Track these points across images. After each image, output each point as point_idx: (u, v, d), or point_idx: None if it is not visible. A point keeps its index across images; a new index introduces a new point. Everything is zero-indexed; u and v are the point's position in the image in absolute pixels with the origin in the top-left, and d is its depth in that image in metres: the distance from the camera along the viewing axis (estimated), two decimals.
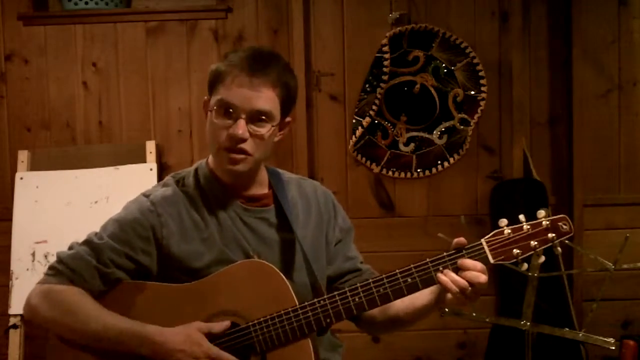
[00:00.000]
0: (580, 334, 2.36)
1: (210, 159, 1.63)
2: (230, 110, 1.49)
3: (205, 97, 1.60)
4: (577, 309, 3.05)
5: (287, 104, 1.56)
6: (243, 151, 1.50)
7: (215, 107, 1.51)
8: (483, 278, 1.42)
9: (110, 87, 3.18)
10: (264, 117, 1.51)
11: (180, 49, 3.17)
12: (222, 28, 3.17)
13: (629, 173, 3.21)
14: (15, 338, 2.78)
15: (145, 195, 1.60)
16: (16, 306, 2.76)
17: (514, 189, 3.12)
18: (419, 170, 3.19)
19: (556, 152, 3.22)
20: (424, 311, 1.56)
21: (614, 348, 2.27)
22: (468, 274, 1.42)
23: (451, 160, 3.18)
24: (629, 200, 3.19)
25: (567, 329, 2.41)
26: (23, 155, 3.02)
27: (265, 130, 1.51)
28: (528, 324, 2.39)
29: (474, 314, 2.48)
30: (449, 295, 1.45)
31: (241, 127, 1.48)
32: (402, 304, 1.58)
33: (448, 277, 1.43)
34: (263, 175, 1.64)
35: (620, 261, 2.23)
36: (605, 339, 2.27)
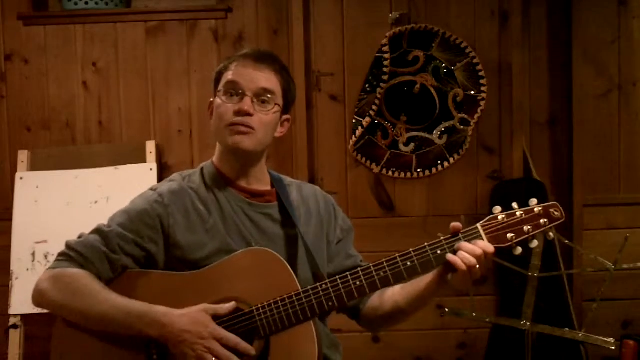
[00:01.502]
0: (580, 334, 2.36)
1: (215, 157, 1.68)
2: (239, 90, 1.59)
3: (211, 99, 1.66)
4: (577, 309, 3.05)
5: (287, 97, 1.65)
6: (248, 125, 1.57)
7: (222, 90, 1.60)
8: (486, 252, 1.47)
9: (110, 87, 3.18)
10: (268, 96, 1.60)
11: (180, 49, 3.17)
12: (222, 28, 3.18)
13: (629, 173, 3.21)
14: (15, 338, 2.77)
15: (153, 189, 1.65)
16: (16, 306, 2.76)
17: (514, 189, 3.12)
18: (419, 170, 3.19)
19: (556, 152, 3.22)
20: (425, 296, 1.58)
21: (614, 348, 2.27)
22: (473, 250, 1.46)
23: (451, 160, 3.18)
24: (629, 200, 3.19)
25: (567, 329, 2.41)
26: (23, 155, 3.02)
27: (269, 108, 1.60)
28: (528, 324, 2.39)
29: (474, 314, 2.48)
30: (456, 270, 1.46)
31: (247, 103, 1.57)
32: (403, 292, 1.61)
33: (458, 256, 1.46)
34: (265, 174, 1.70)
35: (620, 261, 2.23)
36: (605, 339, 2.27)
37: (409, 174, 3.20)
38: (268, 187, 1.69)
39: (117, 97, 3.18)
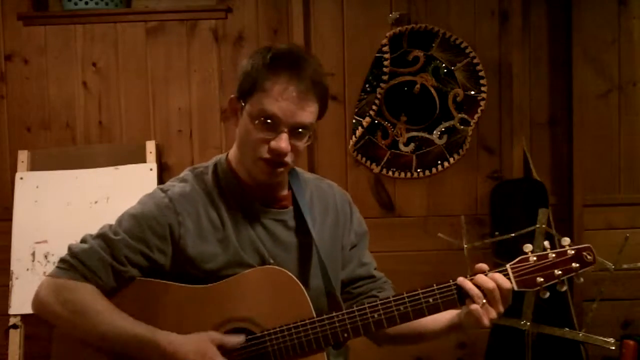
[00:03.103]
0: (580, 334, 2.36)
1: (232, 155, 1.59)
2: (276, 124, 1.45)
3: (233, 95, 1.54)
4: (577, 309, 3.04)
5: (322, 112, 1.53)
6: (283, 164, 1.48)
7: (256, 119, 1.46)
8: (496, 285, 1.42)
9: (110, 87, 3.18)
10: (303, 130, 1.48)
11: (180, 49, 3.17)
12: (222, 28, 3.17)
13: (629, 173, 3.21)
14: (15, 338, 2.77)
15: (163, 190, 1.55)
16: (16, 306, 2.76)
17: (514, 189, 3.12)
18: (419, 170, 3.19)
19: (556, 152, 3.22)
20: (442, 333, 1.56)
21: (614, 348, 2.27)
22: (490, 282, 1.42)
23: (451, 160, 3.18)
24: (629, 200, 3.19)
25: (567, 329, 2.41)
26: (23, 155, 3.02)
27: (303, 142, 1.49)
28: (528, 324, 2.39)
29: None
30: (473, 307, 1.42)
31: (284, 141, 1.45)
32: (421, 323, 1.56)
33: (473, 282, 1.43)
34: (284, 177, 1.61)
35: (620, 261, 2.23)
36: (605, 339, 2.27)
37: (409, 174, 3.20)
38: (285, 191, 1.61)
39: (117, 97, 3.18)
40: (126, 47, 3.17)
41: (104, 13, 3.14)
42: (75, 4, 3.13)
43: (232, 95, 1.54)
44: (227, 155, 1.61)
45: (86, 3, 3.13)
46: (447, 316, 1.53)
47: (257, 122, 1.46)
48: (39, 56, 3.16)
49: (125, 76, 3.18)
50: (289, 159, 1.48)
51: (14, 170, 3.03)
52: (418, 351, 3.19)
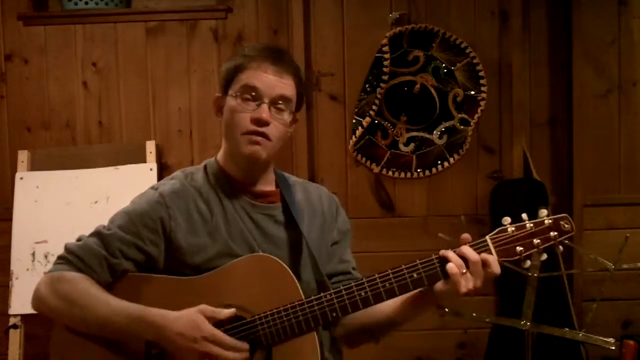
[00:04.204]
0: (580, 334, 2.36)
1: (220, 156, 1.65)
2: (253, 94, 1.54)
3: (217, 94, 1.62)
4: (577, 309, 3.05)
5: (300, 97, 1.61)
6: (265, 135, 1.54)
7: (238, 93, 1.55)
8: (478, 255, 1.45)
9: (110, 87, 3.18)
10: (285, 104, 1.56)
11: (180, 49, 3.17)
12: (222, 28, 3.18)
13: (629, 173, 3.21)
14: (15, 338, 2.77)
15: (154, 188, 1.61)
16: (16, 306, 2.76)
17: (514, 189, 3.12)
18: (419, 170, 3.19)
19: (556, 152, 3.22)
20: (411, 310, 1.55)
21: (614, 348, 2.27)
22: (472, 253, 1.45)
23: (451, 160, 3.18)
24: (629, 200, 3.19)
25: (567, 329, 2.41)
26: (23, 155, 3.02)
27: (284, 117, 1.57)
28: (528, 324, 2.39)
29: (474, 314, 2.48)
30: (452, 272, 1.43)
31: (265, 111, 1.53)
32: (385, 308, 1.55)
33: (456, 253, 1.45)
34: (271, 173, 1.67)
35: (620, 261, 2.23)
36: (605, 339, 2.27)
37: (409, 174, 3.20)
38: (272, 187, 1.66)
39: (117, 97, 3.18)
40: (126, 47, 3.17)
41: (104, 13, 3.14)
42: (75, 4, 3.13)
43: (217, 94, 1.62)
44: (216, 157, 1.66)
45: (86, 3, 3.13)
46: (413, 292, 1.52)
47: (239, 96, 1.54)
48: (39, 56, 3.17)
49: (125, 76, 3.18)
50: (270, 131, 1.54)
51: (14, 170, 3.04)
52: (418, 351, 3.19)
